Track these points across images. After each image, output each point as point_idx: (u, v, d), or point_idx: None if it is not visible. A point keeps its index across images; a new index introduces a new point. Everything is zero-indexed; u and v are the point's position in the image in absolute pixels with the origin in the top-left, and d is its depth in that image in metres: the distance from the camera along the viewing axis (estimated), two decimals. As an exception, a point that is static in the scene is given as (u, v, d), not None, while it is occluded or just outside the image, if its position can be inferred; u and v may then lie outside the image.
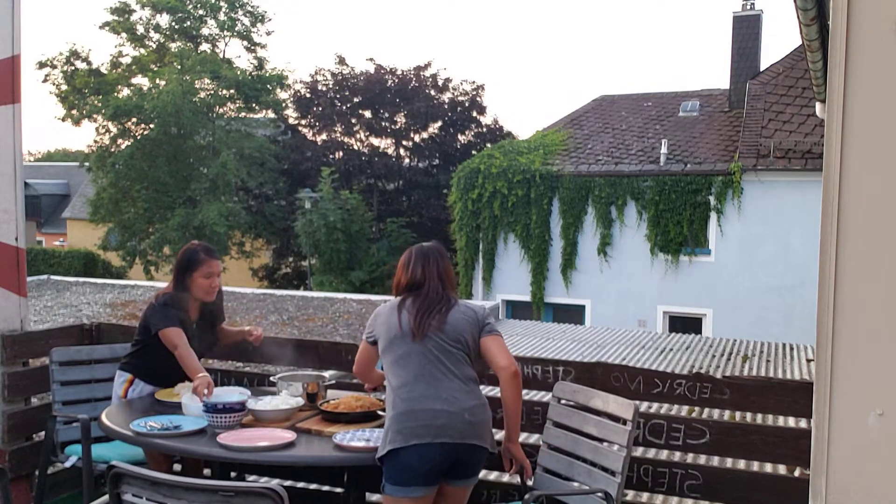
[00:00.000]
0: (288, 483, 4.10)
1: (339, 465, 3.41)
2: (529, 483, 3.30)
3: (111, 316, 10.48)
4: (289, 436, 3.06)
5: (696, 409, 4.88)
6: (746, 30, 19.16)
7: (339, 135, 28.05)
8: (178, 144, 26.51)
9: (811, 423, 2.34)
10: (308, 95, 28.02)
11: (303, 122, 28.78)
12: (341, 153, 27.83)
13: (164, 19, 28.72)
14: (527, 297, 18.28)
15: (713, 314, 16.57)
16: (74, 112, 27.92)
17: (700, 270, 16.83)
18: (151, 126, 25.85)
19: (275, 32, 71.51)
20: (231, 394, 3.43)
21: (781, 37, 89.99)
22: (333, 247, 23.62)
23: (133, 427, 3.15)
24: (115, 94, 27.52)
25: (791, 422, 4.42)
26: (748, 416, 5.28)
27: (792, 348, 9.09)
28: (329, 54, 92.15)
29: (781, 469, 3.80)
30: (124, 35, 28.78)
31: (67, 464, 3.85)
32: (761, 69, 18.61)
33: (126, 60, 29.24)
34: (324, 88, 27.87)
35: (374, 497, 3.86)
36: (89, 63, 28.59)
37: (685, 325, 16.43)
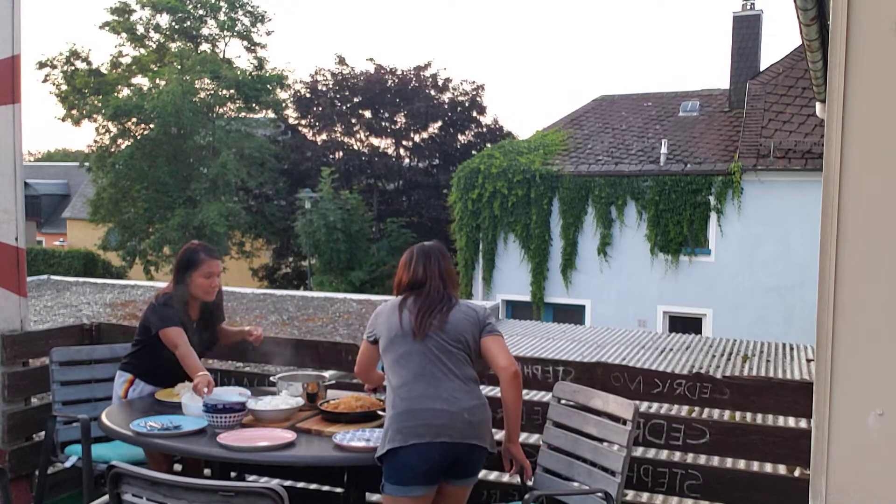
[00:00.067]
0: (288, 483, 4.10)
1: (339, 465, 3.41)
2: (529, 483, 3.29)
3: (111, 316, 10.48)
4: (289, 436, 3.06)
5: (696, 409, 4.89)
6: (746, 30, 19.16)
7: (339, 135, 28.05)
8: (178, 144, 26.51)
9: (811, 423, 2.34)
10: (308, 95, 28.03)
11: (303, 122, 28.78)
12: (341, 153, 27.83)
13: (164, 19, 28.74)
14: (527, 297, 18.28)
15: (713, 314, 16.57)
16: (74, 112, 27.93)
17: (700, 270, 16.83)
18: (151, 126, 25.85)
19: (275, 32, 71.60)
20: (231, 394, 3.43)
21: (781, 37, 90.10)
22: (333, 247, 23.62)
23: (133, 427, 3.15)
24: (115, 94, 27.52)
25: (791, 422, 4.42)
26: (748, 416, 5.28)
27: (792, 348, 9.09)
28: (329, 54, 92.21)
29: (781, 469, 3.80)
30: (124, 35, 28.79)
31: (67, 464, 3.85)
32: (761, 69, 18.61)
33: (126, 60, 29.25)
34: (324, 88, 27.87)
35: (374, 497, 3.86)
36: (89, 63, 28.61)
37: (685, 325, 16.43)
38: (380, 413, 3.32)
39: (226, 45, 30.16)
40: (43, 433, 4.10)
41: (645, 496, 4.03)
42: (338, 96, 27.86)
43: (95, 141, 27.64)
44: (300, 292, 16.39)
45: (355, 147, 28.09)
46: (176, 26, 28.75)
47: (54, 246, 33.12)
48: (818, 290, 2.26)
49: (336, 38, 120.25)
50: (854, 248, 2.20)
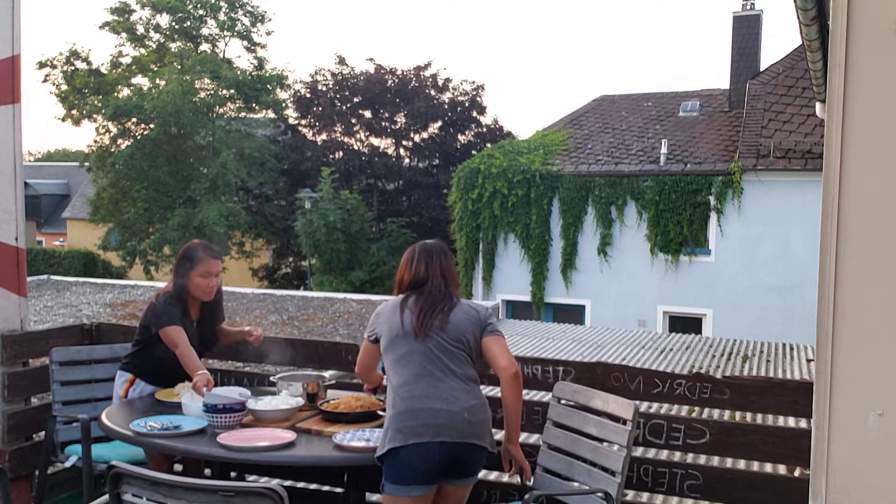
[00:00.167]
0: (288, 483, 4.10)
1: (339, 465, 3.41)
2: (529, 483, 3.29)
3: (111, 316, 10.48)
4: (289, 436, 3.06)
5: (696, 409, 4.89)
6: (746, 30, 19.16)
7: (339, 135, 28.05)
8: (178, 144, 26.51)
9: (811, 423, 2.34)
10: (308, 95, 28.02)
11: (303, 122, 28.78)
12: (341, 153, 27.83)
13: (164, 19, 28.74)
14: (527, 297, 18.28)
15: (713, 314, 16.57)
16: (74, 112, 27.92)
17: (700, 270, 16.83)
18: (151, 126, 25.85)
19: (275, 32, 71.59)
20: (231, 393, 3.43)
21: (781, 37, 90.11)
22: (333, 247, 23.62)
23: (133, 427, 3.15)
24: (115, 94, 27.52)
25: (791, 422, 4.42)
26: (748, 416, 5.28)
27: (792, 348, 9.09)
28: (329, 54, 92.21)
29: (781, 469, 3.80)
30: (124, 35, 28.78)
31: (67, 464, 3.85)
32: (761, 69, 18.61)
33: (126, 60, 29.25)
34: (324, 88, 27.87)
35: (374, 497, 3.86)
36: (89, 63, 28.60)
37: (685, 325, 16.43)
38: (380, 413, 3.32)
39: (226, 45, 30.20)
40: (43, 433, 4.10)
41: (645, 496, 4.03)
42: (338, 96, 27.86)
43: (95, 141, 27.65)
44: (300, 292, 16.40)
45: (355, 147, 28.09)
46: (176, 26, 28.74)
47: (54, 246, 33.13)
48: (818, 290, 2.26)
49: (336, 38, 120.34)
50: (854, 248, 2.19)
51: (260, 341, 3.95)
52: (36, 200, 37.79)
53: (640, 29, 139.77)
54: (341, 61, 27.92)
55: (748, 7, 19.26)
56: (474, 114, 27.88)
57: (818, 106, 7.77)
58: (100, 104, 26.58)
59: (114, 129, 27.02)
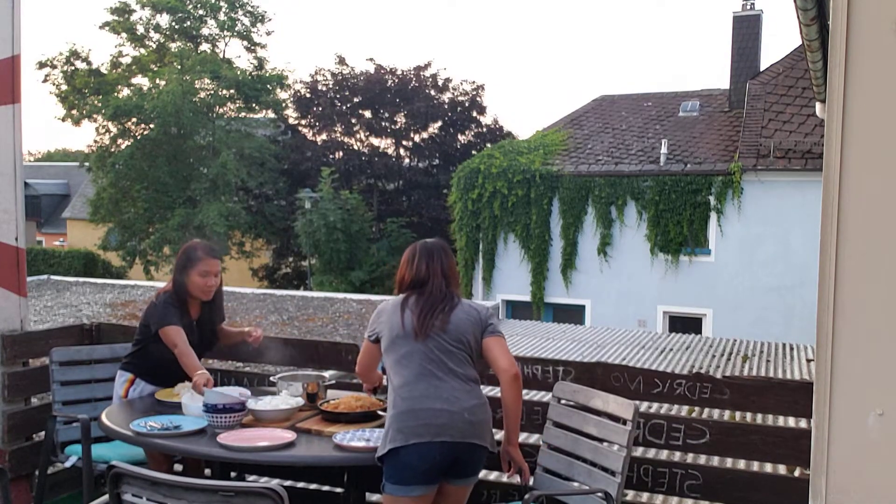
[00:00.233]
0: (288, 483, 4.10)
1: (339, 465, 3.41)
2: (529, 483, 3.29)
3: (111, 316, 10.48)
4: (289, 436, 3.06)
5: (696, 409, 4.89)
6: (746, 30, 19.16)
7: (339, 135, 28.05)
8: (178, 144, 26.51)
9: (811, 423, 2.34)
10: (308, 95, 28.02)
11: (303, 122, 28.78)
12: (341, 153, 27.83)
13: (164, 19, 28.74)
14: (527, 297, 18.28)
15: (713, 314, 16.57)
16: (74, 112, 27.93)
17: (700, 270, 16.83)
18: (151, 126, 25.86)
19: (275, 32, 71.59)
20: (231, 393, 3.43)
21: (781, 37, 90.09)
22: (333, 247, 23.62)
23: (133, 427, 3.15)
24: (115, 94, 27.52)
25: (791, 422, 4.42)
26: (748, 416, 5.28)
27: (792, 348, 9.09)
28: (329, 54, 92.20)
29: (781, 469, 3.80)
30: (124, 35, 28.79)
31: (67, 464, 3.85)
32: (761, 69, 18.61)
33: (126, 60, 29.25)
34: (324, 88, 27.87)
35: (374, 497, 3.86)
36: (89, 63, 28.60)
37: (685, 325, 16.43)
38: (380, 413, 3.33)
39: (226, 45, 30.20)
40: (43, 433, 4.10)
41: (645, 496, 4.03)
42: (338, 96, 27.86)
43: (95, 141, 27.66)
44: (300, 292, 16.40)
45: (355, 147, 28.09)
46: (176, 26, 28.75)
47: (54, 246, 33.13)
48: (818, 290, 2.26)
49: (336, 38, 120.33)
50: (854, 248, 2.19)
51: (259, 341, 3.95)
52: (36, 200, 37.79)
53: (640, 29, 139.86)
54: (341, 61, 27.93)
55: (748, 7, 19.26)
56: (474, 114, 27.88)
57: (818, 106, 7.77)
58: (100, 104, 26.58)
59: (114, 129, 27.02)
